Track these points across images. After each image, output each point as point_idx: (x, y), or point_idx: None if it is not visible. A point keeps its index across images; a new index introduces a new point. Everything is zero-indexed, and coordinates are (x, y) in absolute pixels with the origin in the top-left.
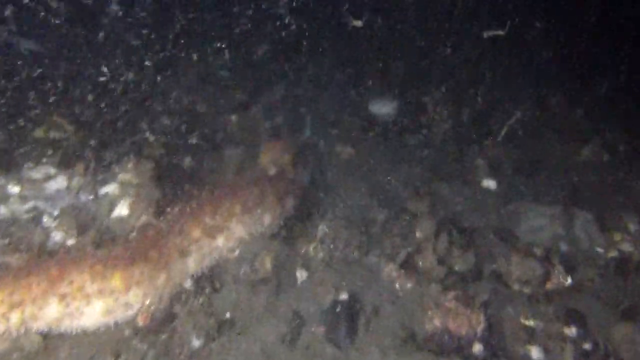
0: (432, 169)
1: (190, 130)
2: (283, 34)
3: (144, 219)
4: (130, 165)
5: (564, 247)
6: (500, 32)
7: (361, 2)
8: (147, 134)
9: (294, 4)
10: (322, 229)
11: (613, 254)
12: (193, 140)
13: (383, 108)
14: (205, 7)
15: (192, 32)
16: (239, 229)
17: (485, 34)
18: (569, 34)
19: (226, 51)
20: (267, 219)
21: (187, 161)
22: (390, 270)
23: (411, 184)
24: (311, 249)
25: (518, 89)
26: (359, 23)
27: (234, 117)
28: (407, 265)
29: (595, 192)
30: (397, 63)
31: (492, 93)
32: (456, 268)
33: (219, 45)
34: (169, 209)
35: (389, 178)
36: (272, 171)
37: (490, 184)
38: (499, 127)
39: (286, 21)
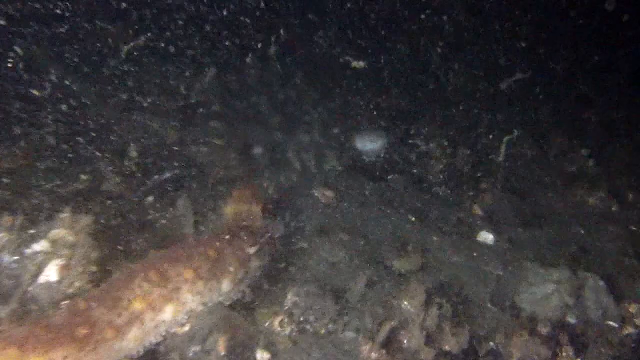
0: (423, 217)
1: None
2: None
3: (76, 286)
4: (65, 218)
5: (572, 320)
6: None
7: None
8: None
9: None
10: (291, 297)
11: (629, 329)
12: (145, 187)
13: (370, 144)
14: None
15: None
16: (190, 299)
17: None
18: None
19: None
20: (225, 285)
21: (134, 214)
22: (369, 350)
23: (398, 236)
24: (276, 323)
25: (517, 126)
26: (360, 64)
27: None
28: (390, 344)
29: (605, 250)
30: (388, 94)
31: (490, 130)
32: (447, 347)
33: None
34: (107, 275)
35: (372, 229)
36: (237, 225)
37: (487, 237)
38: (496, 167)
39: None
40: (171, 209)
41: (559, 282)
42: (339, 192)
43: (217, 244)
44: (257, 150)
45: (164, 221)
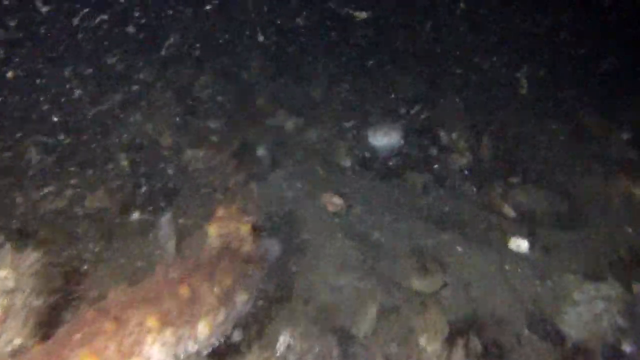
0: (444, 222)
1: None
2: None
3: (16, 343)
4: (6, 256)
5: (627, 348)
6: None
7: None
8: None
9: None
10: (284, 339)
11: None
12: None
13: (385, 138)
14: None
15: None
16: (156, 352)
17: None
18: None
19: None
20: (202, 330)
21: (90, 249)
22: None
23: (416, 248)
24: None
25: (550, 109)
26: (362, 15)
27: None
28: None
29: None
30: (405, 79)
31: (519, 115)
32: None
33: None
34: (54, 328)
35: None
36: (221, 250)
37: (520, 244)
38: (528, 158)
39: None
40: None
41: (609, 298)
42: (349, 197)
43: (193, 278)
44: (259, 151)
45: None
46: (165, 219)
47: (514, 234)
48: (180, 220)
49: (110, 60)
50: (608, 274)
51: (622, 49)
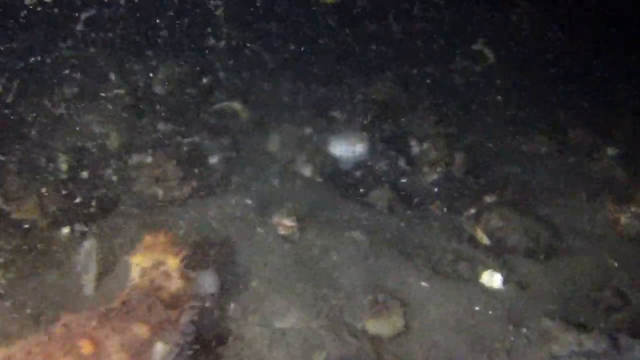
0: (409, 249)
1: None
2: None
3: None
4: None
5: None
6: None
7: None
8: None
9: None
10: None
11: None
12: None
13: (349, 149)
14: None
15: None
16: None
17: None
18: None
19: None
20: None
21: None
22: None
23: (375, 283)
24: None
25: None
26: None
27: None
28: None
29: None
30: (376, 80)
31: (498, 125)
32: None
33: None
34: None
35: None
36: (143, 288)
37: (494, 279)
38: (506, 174)
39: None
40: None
41: (593, 356)
42: (304, 217)
43: (100, 329)
44: (212, 159)
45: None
46: (87, 245)
47: (486, 266)
48: (109, 244)
49: (59, 50)
50: (592, 321)
51: (608, 55)
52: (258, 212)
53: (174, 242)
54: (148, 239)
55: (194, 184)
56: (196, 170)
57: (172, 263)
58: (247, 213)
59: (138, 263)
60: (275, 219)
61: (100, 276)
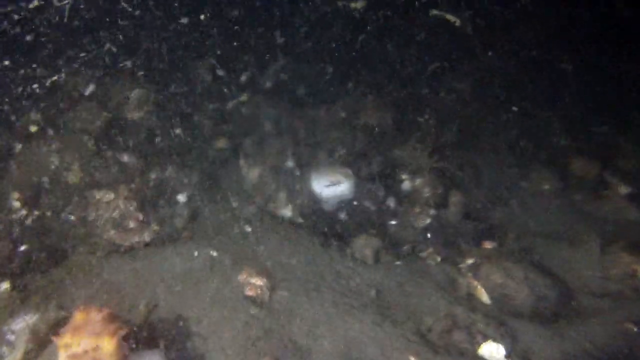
0: (396, 313)
1: None
2: None
3: None
4: None
5: None
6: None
7: None
8: None
9: None
10: None
11: None
12: None
13: (332, 187)
14: None
15: None
16: None
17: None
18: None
19: None
20: None
21: None
22: None
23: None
24: None
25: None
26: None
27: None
28: None
29: None
30: (367, 103)
31: (498, 159)
32: None
33: None
34: None
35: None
36: None
37: (495, 352)
38: (507, 218)
39: None
40: None
41: None
42: (276, 274)
43: None
44: (180, 197)
45: None
46: (19, 325)
47: (486, 335)
48: (46, 316)
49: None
50: None
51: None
52: (223, 267)
53: (111, 319)
54: (79, 316)
55: (156, 227)
56: (160, 211)
57: (108, 346)
58: (211, 268)
59: (67, 345)
60: (243, 277)
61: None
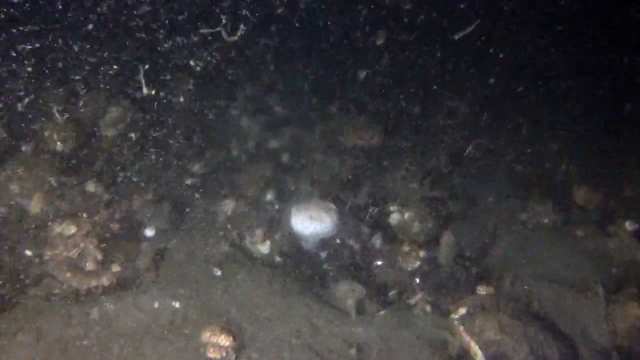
0: None
1: None
2: None
3: None
4: None
5: None
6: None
7: None
8: None
9: None
10: None
11: None
12: None
13: (313, 224)
14: None
15: None
16: None
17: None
18: None
19: None
20: None
21: None
22: None
23: None
24: None
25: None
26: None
27: None
28: None
29: None
30: (353, 127)
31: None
32: None
33: None
34: None
35: None
36: None
37: None
38: (503, 258)
39: None
40: None
41: None
42: (246, 329)
43: None
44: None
45: None
46: None
47: None
48: None
49: None
50: None
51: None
52: (186, 322)
53: None
54: None
55: (117, 269)
56: (123, 249)
57: None
58: (172, 323)
59: None
60: (207, 336)
61: None
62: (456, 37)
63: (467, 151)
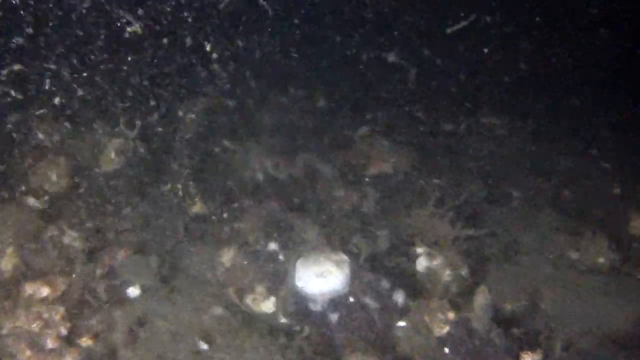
0: None
1: None
2: None
3: None
4: None
5: None
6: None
7: None
8: None
9: None
10: None
11: None
12: None
13: (320, 282)
14: None
15: None
16: None
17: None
18: None
19: None
20: None
21: None
22: None
23: None
24: None
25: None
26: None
27: None
28: None
29: None
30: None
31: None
32: None
33: None
34: None
35: None
36: None
37: None
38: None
39: None
40: None
41: None
42: None
43: None
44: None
45: None
46: None
47: None
48: None
49: None
50: None
51: None
52: None
53: None
54: None
55: (88, 342)
56: (97, 318)
57: None
58: None
59: None
60: None
61: None
62: (449, 30)
63: None
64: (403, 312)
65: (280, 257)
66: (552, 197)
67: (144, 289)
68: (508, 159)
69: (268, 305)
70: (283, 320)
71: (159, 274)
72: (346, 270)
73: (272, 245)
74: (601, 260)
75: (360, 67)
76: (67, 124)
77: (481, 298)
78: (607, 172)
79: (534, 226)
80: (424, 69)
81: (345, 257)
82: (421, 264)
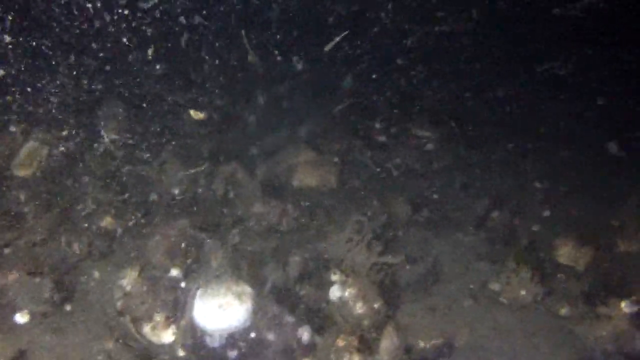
0: None
1: None
2: None
3: None
4: None
5: None
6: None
7: None
8: None
9: None
10: None
11: None
12: None
13: (218, 317)
14: None
15: None
16: None
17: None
18: None
19: None
20: None
21: None
22: None
23: None
24: None
25: None
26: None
27: None
28: None
29: None
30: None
31: None
32: None
33: None
34: None
35: None
36: None
37: None
38: None
39: None
40: None
41: None
42: None
43: None
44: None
45: None
46: None
47: None
48: None
49: None
50: None
51: None
52: None
53: None
54: None
55: None
56: None
57: None
58: None
59: None
60: None
61: None
62: (326, 48)
63: None
64: (308, 350)
65: (182, 284)
66: (480, 219)
67: (33, 315)
68: (436, 177)
69: (167, 336)
70: (181, 353)
71: (52, 298)
72: (248, 302)
73: (174, 272)
74: (523, 293)
75: None
76: None
77: (386, 344)
78: (539, 192)
79: (457, 253)
80: None
81: (248, 289)
82: (334, 293)
